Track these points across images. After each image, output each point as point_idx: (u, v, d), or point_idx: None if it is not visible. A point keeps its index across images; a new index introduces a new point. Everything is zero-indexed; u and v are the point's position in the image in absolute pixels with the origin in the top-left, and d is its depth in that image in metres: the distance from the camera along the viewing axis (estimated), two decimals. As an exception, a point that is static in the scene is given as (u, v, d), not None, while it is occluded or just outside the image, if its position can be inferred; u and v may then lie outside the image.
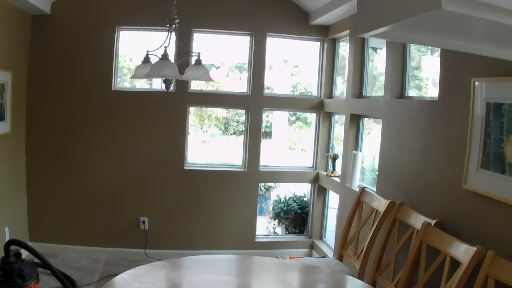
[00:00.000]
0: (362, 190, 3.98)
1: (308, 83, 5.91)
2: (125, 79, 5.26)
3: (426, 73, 3.90)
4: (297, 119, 8.38)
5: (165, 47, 3.49)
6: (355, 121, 4.53)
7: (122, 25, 4.92)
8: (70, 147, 4.94)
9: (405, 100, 3.72)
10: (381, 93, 4.12)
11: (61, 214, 4.98)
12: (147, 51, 3.76)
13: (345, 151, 4.60)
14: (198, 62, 3.67)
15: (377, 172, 4.21)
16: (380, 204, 3.64)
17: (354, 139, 4.53)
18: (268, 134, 8.67)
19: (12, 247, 3.77)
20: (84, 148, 4.95)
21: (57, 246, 4.92)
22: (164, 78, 3.60)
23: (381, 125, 3.97)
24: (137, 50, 5.31)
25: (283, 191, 5.76)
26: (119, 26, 4.90)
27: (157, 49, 3.70)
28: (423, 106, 3.43)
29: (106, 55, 4.87)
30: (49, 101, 4.87)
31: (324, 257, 4.32)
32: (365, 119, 4.55)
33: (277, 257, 4.36)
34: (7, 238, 4.35)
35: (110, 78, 4.90)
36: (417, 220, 3.21)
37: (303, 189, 5.66)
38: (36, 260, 4.21)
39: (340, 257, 4.00)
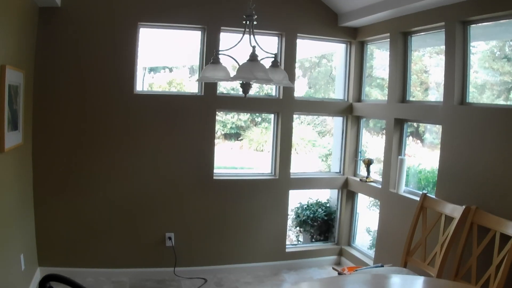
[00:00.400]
0: (425, 196, 3.92)
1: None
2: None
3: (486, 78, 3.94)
4: (263, 120, 8.26)
5: (253, 47, 3.17)
6: (398, 126, 4.47)
7: (144, 21, 4.43)
8: (84, 159, 4.40)
9: (473, 107, 3.71)
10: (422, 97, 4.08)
11: (74, 233, 4.42)
12: (216, 51, 3.40)
13: (387, 156, 4.52)
14: (275, 64, 3.38)
15: (428, 176, 4.21)
16: (455, 210, 3.60)
17: (397, 144, 4.46)
18: (234, 136, 8.47)
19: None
20: (100, 159, 4.44)
21: (71, 270, 4.27)
22: (243, 82, 3.27)
23: (440, 130, 3.96)
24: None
25: (297, 197, 5.55)
26: (140, 22, 4.41)
27: (229, 48, 3.35)
28: (497, 113, 3.44)
29: (126, 54, 4.38)
30: (58, 106, 4.30)
31: (382, 265, 4.20)
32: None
33: (333, 268, 4.18)
34: (23, 267, 3.77)
35: (132, 80, 4.41)
36: (502, 225, 3.21)
37: (324, 195, 5.53)
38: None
39: (404, 264, 3.92)
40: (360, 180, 4.97)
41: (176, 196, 4.65)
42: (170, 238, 4.61)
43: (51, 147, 4.29)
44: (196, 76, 4.98)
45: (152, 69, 5.58)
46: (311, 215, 5.34)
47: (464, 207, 3.49)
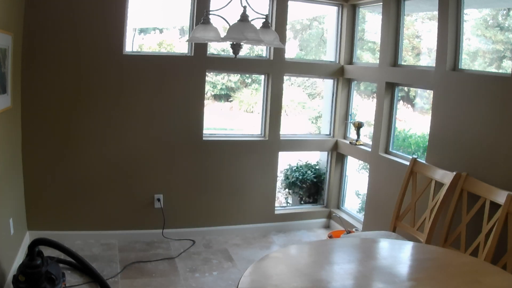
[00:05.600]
0: (414, 160, 3.92)
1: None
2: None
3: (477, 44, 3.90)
4: (253, 81, 8.18)
5: (244, 7, 3.08)
6: (389, 89, 4.42)
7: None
8: (72, 121, 4.31)
9: (465, 73, 3.66)
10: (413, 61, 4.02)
11: (63, 197, 4.39)
12: (206, 11, 3.29)
13: (378, 120, 4.49)
14: (266, 25, 3.29)
15: (418, 141, 4.20)
16: (445, 176, 3.61)
17: (388, 108, 4.43)
18: (223, 97, 8.40)
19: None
20: (88, 121, 4.34)
21: (60, 233, 4.26)
22: (233, 42, 3.19)
23: (431, 95, 3.93)
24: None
25: (286, 158, 5.54)
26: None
27: (219, 9, 3.25)
28: (489, 80, 3.40)
29: (115, 15, 4.22)
30: (47, 69, 4.17)
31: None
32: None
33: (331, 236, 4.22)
34: (12, 231, 3.71)
35: (121, 40, 4.27)
36: (492, 193, 3.23)
37: (313, 157, 5.53)
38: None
39: (393, 229, 3.95)
40: (350, 143, 4.95)
41: (166, 157, 4.62)
42: (159, 200, 4.60)
43: (40, 110, 4.19)
44: (187, 37, 4.87)
45: (142, 30, 5.45)
46: (300, 177, 5.35)
47: (454, 173, 3.49)
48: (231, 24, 3.07)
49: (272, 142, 4.93)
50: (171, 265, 4.17)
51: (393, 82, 4.39)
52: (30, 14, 3.99)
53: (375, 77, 4.59)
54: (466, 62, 3.80)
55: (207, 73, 4.66)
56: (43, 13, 4.05)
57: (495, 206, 3.16)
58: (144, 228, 4.60)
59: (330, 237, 4.33)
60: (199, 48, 4.48)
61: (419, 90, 4.92)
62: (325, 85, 5.42)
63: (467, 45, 3.82)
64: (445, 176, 3.60)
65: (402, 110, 4.89)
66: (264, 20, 3.27)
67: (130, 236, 4.56)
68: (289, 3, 4.75)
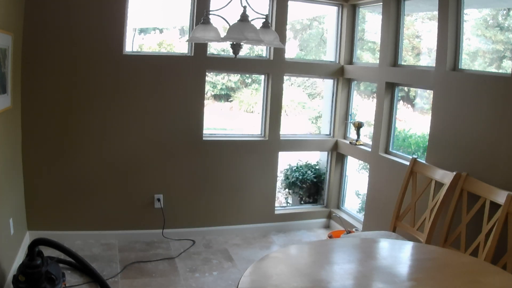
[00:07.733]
0: (414, 160, 3.92)
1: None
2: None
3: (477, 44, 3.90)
4: (253, 81, 8.19)
5: (244, 7, 3.08)
6: (389, 89, 4.42)
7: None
8: (72, 121, 4.31)
9: (465, 73, 3.66)
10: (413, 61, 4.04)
11: (62, 197, 4.38)
12: (206, 11, 3.30)
13: (378, 120, 4.50)
14: (266, 25, 3.29)
15: (418, 141, 4.20)
16: (445, 176, 3.61)
17: (388, 108, 4.43)
18: (224, 97, 8.41)
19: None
20: (89, 121, 4.35)
21: (60, 233, 4.27)
22: (233, 42, 3.19)
23: (431, 95, 3.93)
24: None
25: (286, 158, 5.55)
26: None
27: (219, 9, 3.25)
28: (489, 80, 3.40)
29: (115, 15, 4.22)
30: (47, 68, 4.16)
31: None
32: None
33: (331, 236, 4.23)
34: (12, 231, 3.71)
35: (121, 40, 4.27)
36: (492, 193, 3.23)
37: (313, 157, 5.53)
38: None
39: (393, 229, 3.95)
40: (350, 143, 4.96)
41: (166, 157, 4.62)
42: (159, 200, 4.60)
43: (40, 110, 4.19)
44: (187, 37, 4.88)
45: (142, 30, 5.46)
46: (300, 177, 5.35)
47: (454, 173, 3.49)
48: (231, 24, 3.07)
49: (272, 142, 4.93)
50: (171, 265, 4.17)
51: (393, 82, 4.39)
52: (30, 14, 3.99)
53: (375, 77, 4.59)
54: (466, 62, 3.80)
55: (207, 73, 4.66)
56: (43, 13, 4.04)
57: (495, 206, 3.16)
58: (144, 228, 4.61)
59: (330, 237, 4.34)
60: (199, 48, 4.49)
61: (419, 90, 4.93)
62: (325, 85, 5.43)
63: (467, 45, 3.82)
64: (445, 176, 3.60)
65: (402, 110, 4.89)
66: (264, 20, 3.27)
67: (130, 236, 4.56)
68: (289, 3, 4.74)
